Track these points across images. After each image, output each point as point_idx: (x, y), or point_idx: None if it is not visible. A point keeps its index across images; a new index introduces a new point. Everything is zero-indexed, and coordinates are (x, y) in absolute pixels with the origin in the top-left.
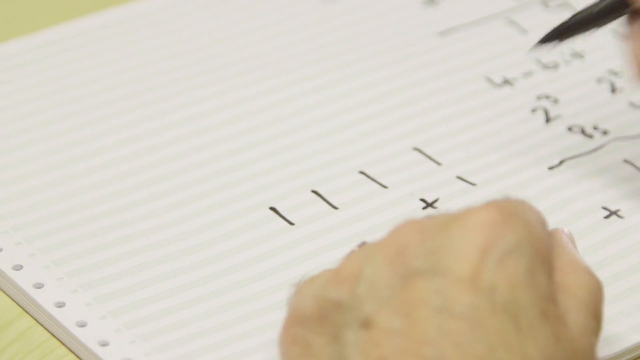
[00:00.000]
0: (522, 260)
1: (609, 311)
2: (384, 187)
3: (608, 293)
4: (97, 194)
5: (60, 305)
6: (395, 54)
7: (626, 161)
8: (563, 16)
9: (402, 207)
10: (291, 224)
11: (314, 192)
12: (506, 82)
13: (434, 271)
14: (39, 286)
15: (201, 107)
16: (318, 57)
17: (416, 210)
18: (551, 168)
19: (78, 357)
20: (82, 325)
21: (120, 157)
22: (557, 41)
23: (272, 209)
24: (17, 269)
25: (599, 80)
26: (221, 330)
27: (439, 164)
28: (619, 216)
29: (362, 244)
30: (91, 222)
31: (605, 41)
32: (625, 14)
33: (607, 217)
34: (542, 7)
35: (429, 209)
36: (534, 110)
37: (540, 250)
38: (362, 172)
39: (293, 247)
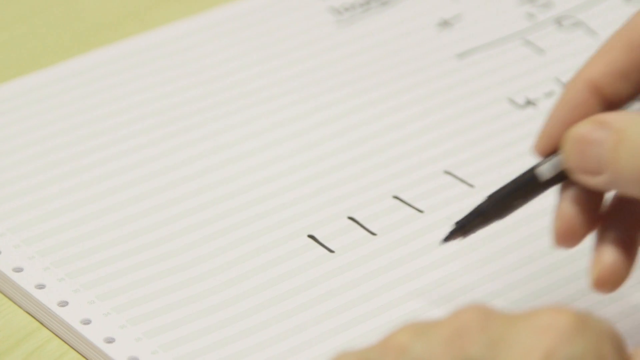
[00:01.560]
0: None
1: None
2: (420, 211)
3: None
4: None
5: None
6: (415, 77)
7: None
8: (576, 35)
9: (440, 232)
10: (331, 251)
11: (351, 218)
12: (529, 102)
13: None
14: (41, 287)
15: (229, 135)
16: (339, 82)
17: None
18: None
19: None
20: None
21: (153, 189)
22: (461, 237)
23: (311, 236)
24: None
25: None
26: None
27: (471, 186)
28: None
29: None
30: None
31: None
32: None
33: None
34: (556, 26)
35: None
36: None
37: None
38: (396, 197)
39: (335, 275)
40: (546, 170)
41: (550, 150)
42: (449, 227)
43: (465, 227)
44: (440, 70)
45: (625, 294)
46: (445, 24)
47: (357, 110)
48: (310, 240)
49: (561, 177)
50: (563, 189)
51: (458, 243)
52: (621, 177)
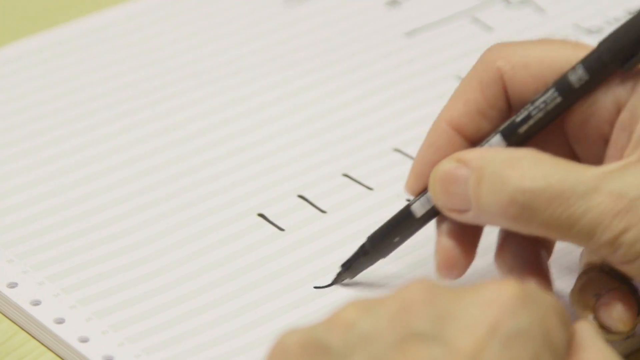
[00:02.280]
0: (529, 345)
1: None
2: (370, 189)
3: None
4: (86, 207)
5: (60, 321)
6: (365, 56)
7: None
8: (525, 13)
9: (390, 209)
10: (281, 229)
11: (301, 196)
12: None
13: (435, 338)
14: (37, 303)
15: (179, 115)
16: (288, 61)
17: None
18: None
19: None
20: (85, 340)
21: (106, 169)
22: (349, 277)
23: (261, 215)
24: (12, 287)
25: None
26: (223, 342)
27: None
28: None
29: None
30: (81, 236)
31: (570, 36)
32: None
33: None
34: (505, 4)
35: None
36: None
37: (551, 340)
38: (346, 175)
39: (286, 253)
40: (419, 207)
41: (420, 190)
42: (335, 272)
43: (350, 267)
44: (388, 48)
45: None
46: (393, 2)
47: (306, 89)
48: (260, 218)
49: (435, 212)
50: (439, 223)
51: None
52: (486, 213)
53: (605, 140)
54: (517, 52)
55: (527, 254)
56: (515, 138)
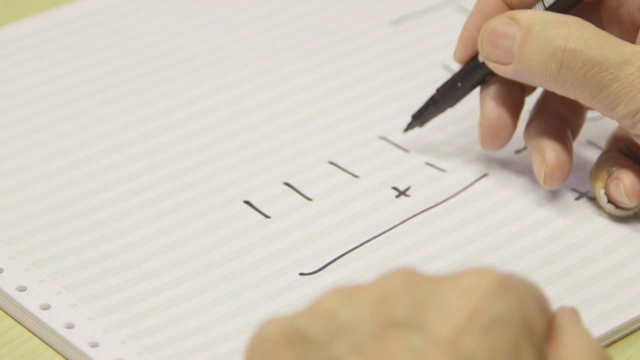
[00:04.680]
0: (508, 332)
1: (587, 293)
2: (355, 176)
3: (586, 274)
4: (72, 193)
5: (46, 307)
6: (351, 44)
7: (590, 142)
8: None
9: (375, 197)
10: (267, 217)
11: (287, 184)
12: None
13: (415, 326)
14: (22, 289)
15: (164, 103)
16: (274, 50)
17: (389, 199)
18: (518, 152)
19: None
20: (70, 327)
21: (93, 156)
22: (419, 126)
23: (247, 202)
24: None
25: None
26: (208, 328)
27: (406, 151)
28: (589, 197)
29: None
30: (67, 223)
31: None
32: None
33: (577, 198)
34: None
35: (402, 197)
36: None
37: (530, 326)
38: (332, 163)
39: (271, 240)
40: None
41: (468, 57)
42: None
43: (421, 116)
44: (375, 37)
45: (604, 274)
46: None
47: (292, 77)
48: (246, 205)
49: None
50: (483, 96)
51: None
52: (526, 68)
53: (636, 27)
54: None
55: (554, 130)
56: (556, 9)
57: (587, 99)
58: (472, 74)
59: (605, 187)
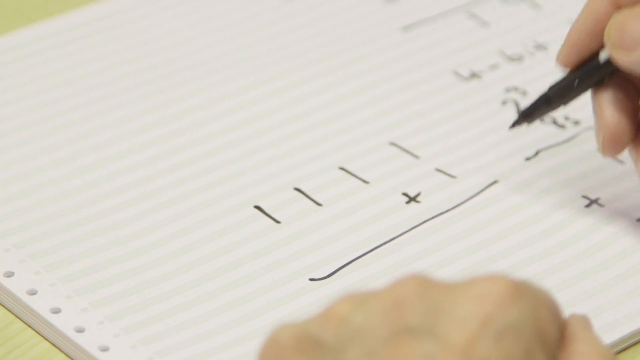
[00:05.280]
0: (521, 339)
1: (598, 301)
2: (366, 182)
3: (595, 282)
4: (83, 197)
5: (56, 311)
6: (361, 50)
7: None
8: (520, 8)
9: (386, 202)
10: (277, 222)
11: (297, 189)
12: (474, 75)
13: (428, 332)
14: (32, 292)
15: (175, 107)
16: (285, 55)
17: (399, 205)
18: (528, 159)
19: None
20: (80, 331)
21: (104, 159)
22: (527, 123)
23: (257, 207)
24: (9, 276)
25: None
26: (219, 333)
27: (416, 157)
28: (599, 204)
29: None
30: (78, 226)
31: (566, 32)
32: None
33: (587, 205)
34: None
35: (412, 204)
36: (504, 103)
37: (543, 333)
38: (342, 168)
39: (281, 246)
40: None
41: (573, 61)
42: (515, 115)
43: (531, 114)
44: (385, 43)
45: (613, 282)
46: None
47: (303, 83)
48: (257, 210)
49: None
50: (598, 101)
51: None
52: None
53: None
54: None
55: (624, 98)
56: None
57: None
58: (591, 73)
59: None
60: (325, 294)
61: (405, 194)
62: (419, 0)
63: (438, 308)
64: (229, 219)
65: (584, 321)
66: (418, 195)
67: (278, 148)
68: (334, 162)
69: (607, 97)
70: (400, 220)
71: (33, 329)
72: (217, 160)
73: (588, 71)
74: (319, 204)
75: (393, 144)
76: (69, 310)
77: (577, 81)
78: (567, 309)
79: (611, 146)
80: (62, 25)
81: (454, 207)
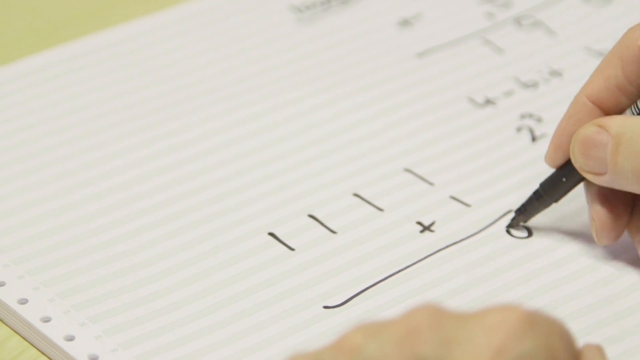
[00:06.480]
0: None
1: (611, 330)
2: (380, 209)
3: (609, 311)
4: (95, 224)
5: (70, 338)
6: (376, 76)
7: None
8: (535, 35)
9: (400, 231)
10: (291, 249)
11: (311, 216)
12: (488, 101)
13: None
14: (47, 320)
15: (189, 133)
16: (300, 80)
17: (414, 233)
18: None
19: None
20: (94, 358)
21: (114, 186)
22: (522, 222)
23: (271, 234)
24: (23, 303)
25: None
26: None
27: (431, 184)
28: None
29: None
30: (93, 253)
31: (581, 59)
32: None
33: None
34: (515, 26)
35: (426, 232)
36: (519, 130)
37: None
38: (356, 195)
39: (295, 273)
40: None
41: (559, 161)
42: (510, 215)
43: (524, 211)
44: (400, 69)
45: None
46: (405, 22)
47: (317, 109)
48: (271, 237)
49: None
50: (589, 193)
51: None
52: (621, 177)
53: None
54: None
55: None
56: None
57: None
58: (577, 170)
59: None
60: (339, 321)
61: (419, 223)
62: (434, 27)
63: (451, 338)
64: (243, 246)
65: (598, 351)
66: (432, 224)
67: (292, 174)
68: (348, 189)
69: (597, 189)
70: (414, 249)
71: (47, 356)
72: (231, 186)
73: (574, 168)
74: (333, 232)
75: (408, 170)
76: (83, 338)
77: (564, 179)
78: (581, 339)
79: (604, 235)
80: (74, 52)
81: (467, 237)
